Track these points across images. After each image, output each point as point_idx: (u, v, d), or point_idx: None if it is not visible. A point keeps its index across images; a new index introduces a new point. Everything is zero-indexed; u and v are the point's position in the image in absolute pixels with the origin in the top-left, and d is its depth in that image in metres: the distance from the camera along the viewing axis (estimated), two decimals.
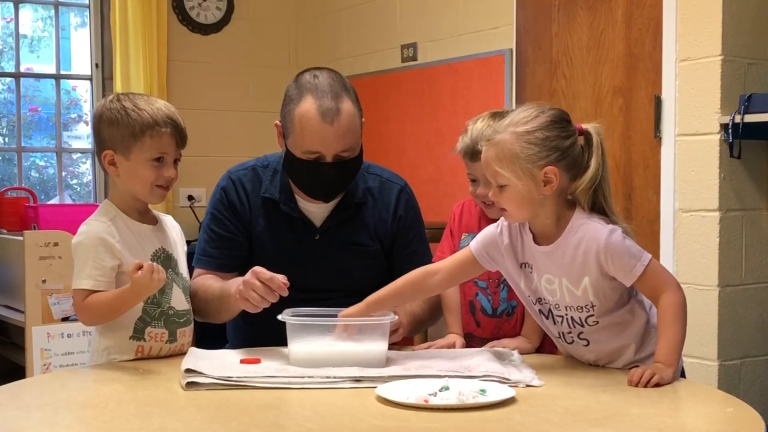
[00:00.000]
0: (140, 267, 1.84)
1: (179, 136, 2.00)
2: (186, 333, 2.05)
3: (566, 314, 1.89)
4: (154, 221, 2.08)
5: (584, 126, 1.86)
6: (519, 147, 1.80)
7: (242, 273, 2.08)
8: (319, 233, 2.23)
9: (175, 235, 2.13)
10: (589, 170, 1.83)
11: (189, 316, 2.07)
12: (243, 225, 2.25)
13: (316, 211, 2.25)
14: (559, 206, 1.85)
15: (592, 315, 1.87)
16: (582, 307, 1.86)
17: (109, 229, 1.96)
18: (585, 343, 1.90)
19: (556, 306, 1.89)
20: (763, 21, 3.02)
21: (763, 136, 2.94)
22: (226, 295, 2.08)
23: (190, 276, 2.19)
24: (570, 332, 1.91)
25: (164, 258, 2.03)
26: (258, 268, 1.95)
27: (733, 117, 2.86)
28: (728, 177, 2.96)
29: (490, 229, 1.97)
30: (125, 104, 1.97)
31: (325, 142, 2.10)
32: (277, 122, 2.22)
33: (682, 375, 1.95)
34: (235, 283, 2.03)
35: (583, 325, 1.88)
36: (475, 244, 1.97)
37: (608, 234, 1.81)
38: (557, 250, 1.85)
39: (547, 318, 1.93)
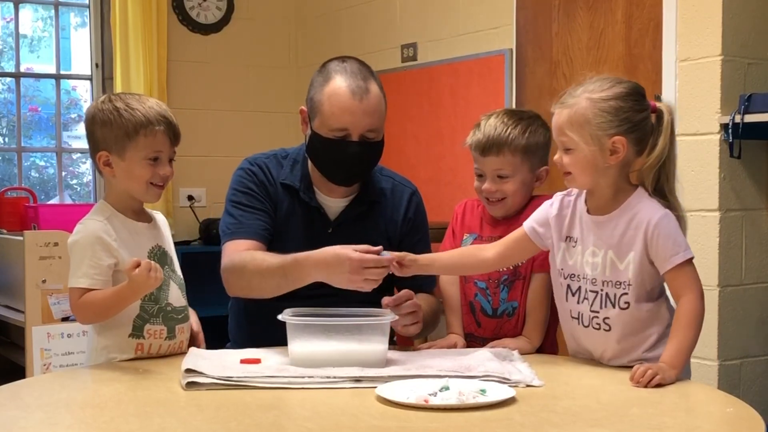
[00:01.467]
0: (137, 265, 1.84)
1: (173, 134, 2.00)
2: (184, 330, 2.05)
3: (601, 290, 1.89)
4: (149, 219, 2.08)
5: (657, 104, 1.88)
6: (592, 113, 1.83)
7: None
8: (333, 227, 2.25)
9: (167, 233, 2.13)
10: (656, 148, 1.86)
11: (186, 313, 2.07)
12: (272, 203, 2.27)
13: (333, 204, 2.27)
14: (620, 180, 1.88)
15: (626, 294, 1.87)
16: (620, 283, 1.87)
17: (106, 227, 1.96)
18: (607, 328, 1.89)
19: (593, 281, 1.90)
20: (763, 21, 3.02)
21: (763, 136, 2.94)
22: (293, 271, 2.04)
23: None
24: (597, 313, 1.90)
25: (160, 255, 2.04)
26: (348, 253, 1.94)
27: (733, 117, 2.86)
28: (728, 177, 2.96)
29: (542, 206, 2.01)
30: (117, 105, 1.97)
31: (354, 117, 2.14)
32: (303, 108, 2.26)
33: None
34: (300, 262, 2.02)
35: (614, 305, 1.88)
36: (528, 220, 2.02)
37: (663, 215, 1.84)
38: (610, 223, 1.88)
39: (573, 295, 1.93)
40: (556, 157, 1.90)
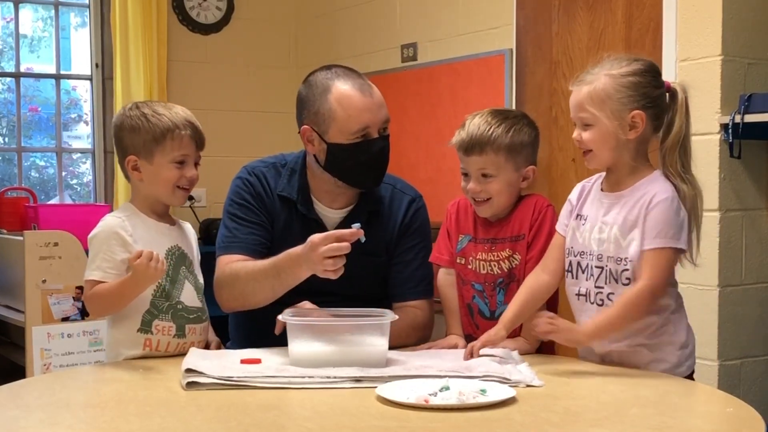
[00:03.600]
0: (140, 255, 1.89)
1: (198, 139, 2.09)
2: (197, 331, 2.08)
3: (606, 266, 1.92)
4: (172, 223, 2.14)
5: (672, 83, 1.93)
6: (613, 88, 1.88)
7: None
8: None
9: (192, 241, 2.18)
10: (674, 126, 1.90)
11: (200, 314, 2.09)
12: (269, 216, 2.26)
13: (332, 215, 2.26)
14: (637, 157, 1.92)
15: (627, 270, 1.89)
16: (622, 259, 1.89)
17: (123, 223, 2.02)
18: (610, 303, 1.91)
19: (599, 257, 1.93)
20: (763, 21, 3.01)
21: (763, 136, 2.94)
22: (285, 267, 2.05)
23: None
24: (601, 289, 1.92)
25: (179, 255, 2.08)
26: (314, 240, 1.93)
27: (733, 117, 2.86)
28: (728, 177, 2.96)
29: (567, 200, 2.05)
30: (144, 111, 2.05)
31: (371, 112, 2.15)
32: (305, 127, 2.21)
33: (691, 377, 1.96)
34: (289, 258, 2.02)
35: (617, 281, 1.90)
36: (558, 222, 2.05)
37: (667, 197, 1.86)
38: (621, 200, 1.91)
39: (583, 272, 1.96)
40: (574, 134, 1.94)
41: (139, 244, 2.00)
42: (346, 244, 1.92)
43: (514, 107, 3.76)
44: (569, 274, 2.00)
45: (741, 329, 3.01)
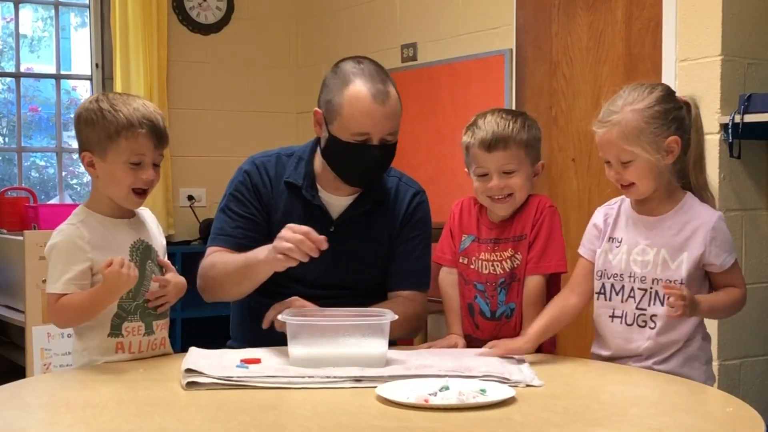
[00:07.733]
0: (110, 264, 1.83)
1: (157, 137, 1.94)
2: (161, 326, 2.03)
3: (650, 288, 1.93)
4: (130, 215, 2.03)
5: (683, 98, 1.96)
6: (644, 122, 1.89)
7: None
8: (335, 225, 2.25)
9: (154, 227, 2.09)
10: (691, 142, 1.95)
11: (165, 310, 2.04)
12: (264, 208, 2.27)
13: (336, 203, 2.27)
14: (673, 179, 1.95)
15: None
16: (671, 281, 1.91)
17: (78, 231, 1.93)
18: (653, 325, 1.93)
19: (642, 279, 1.94)
20: (763, 21, 3.02)
21: (763, 136, 2.94)
22: (252, 264, 2.06)
23: (199, 258, 2.21)
24: (644, 311, 1.93)
25: (143, 249, 2.00)
26: (292, 225, 1.95)
27: (733, 117, 2.86)
28: (728, 177, 2.96)
29: (588, 228, 2.07)
30: (102, 105, 1.93)
31: (375, 121, 2.16)
32: (317, 109, 2.23)
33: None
34: (265, 250, 2.02)
35: (662, 302, 1.91)
36: (580, 248, 2.07)
37: (718, 218, 1.93)
38: (665, 223, 1.94)
39: (617, 294, 1.97)
40: (609, 173, 1.94)
41: (98, 248, 1.92)
42: (310, 244, 1.91)
43: (514, 107, 3.77)
44: (601, 296, 2.00)
45: (741, 329, 3.00)
